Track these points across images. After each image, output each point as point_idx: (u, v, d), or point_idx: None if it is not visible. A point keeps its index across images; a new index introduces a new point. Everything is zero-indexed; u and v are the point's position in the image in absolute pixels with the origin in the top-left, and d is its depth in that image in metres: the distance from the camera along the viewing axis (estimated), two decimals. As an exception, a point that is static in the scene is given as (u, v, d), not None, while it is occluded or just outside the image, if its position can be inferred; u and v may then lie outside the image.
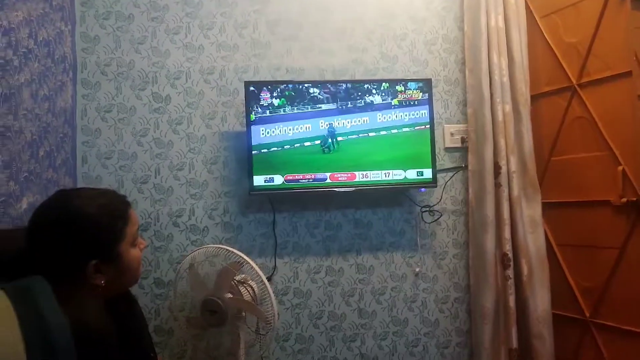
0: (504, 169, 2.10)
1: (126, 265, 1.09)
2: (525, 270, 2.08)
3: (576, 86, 2.06)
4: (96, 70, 2.01)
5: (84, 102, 2.00)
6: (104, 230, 1.04)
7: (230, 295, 1.76)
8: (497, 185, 2.11)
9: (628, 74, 1.86)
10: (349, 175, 2.06)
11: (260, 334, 1.87)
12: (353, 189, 2.06)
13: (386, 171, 2.08)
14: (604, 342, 1.98)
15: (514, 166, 2.11)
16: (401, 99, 2.09)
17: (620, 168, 1.88)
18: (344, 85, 2.07)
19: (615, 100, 1.92)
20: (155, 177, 2.04)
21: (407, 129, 2.09)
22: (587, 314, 2.04)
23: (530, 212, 2.13)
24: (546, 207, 2.18)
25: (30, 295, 0.34)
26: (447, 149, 2.26)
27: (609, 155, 1.94)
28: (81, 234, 1.01)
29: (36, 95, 1.60)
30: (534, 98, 2.23)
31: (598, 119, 1.98)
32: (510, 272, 2.07)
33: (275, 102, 2.00)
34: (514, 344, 2.05)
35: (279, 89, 2.01)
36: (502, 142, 2.11)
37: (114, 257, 1.06)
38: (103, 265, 1.04)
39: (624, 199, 1.86)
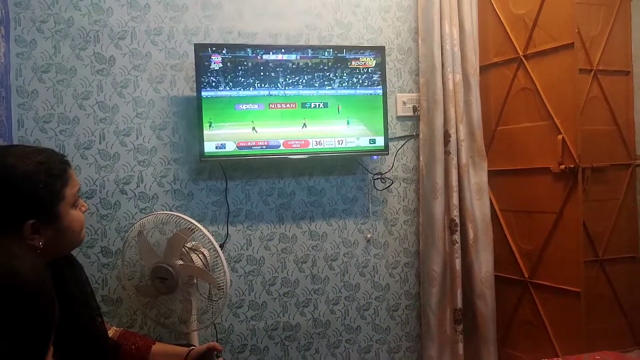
0: (453, 137, 2.16)
1: (67, 227, 1.04)
2: (471, 234, 2.18)
3: (522, 57, 2.13)
4: (31, 26, 1.87)
5: (18, 61, 1.86)
6: (42, 189, 0.99)
7: (181, 262, 1.74)
8: (447, 153, 2.17)
9: (570, 45, 1.94)
10: (303, 142, 2.05)
11: (212, 301, 1.86)
12: (306, 156, 2.06)
13: (339, 139, 2.08)
14: (540, 300, 2.12)
15: (462, 134, 2.17)
16: (355, 66, 2.08)
17: (560, 137, 1.98)
18: (298, 51, 2.03)
19: (557, 72, 2.00)
20: (100, 143, 1.95)
21: (360, 97, 2.10)
22: (526, 275, 2.17)
23: (477, 180, 2.22)
24: (491, 174, 2.27)
25: None
26: (399, 118, 2.29)
27: (550, 124, 2.03)
28: (16, 192, 0.95)
29: (-38, 49, 1.47)
30: (483, 68, 2.29)
31: (541, 90, 2.06)
32: (457, 236, 2.16)
33: (228, 66, 1.95)
34: (459, 304, 2.16)
35: (231, 53, 1.95)
36: (452, 111, 2.16)
37: (53, 218, 1.01)
38: (41, 225, 0.99)
39: (563, 166, 1.96)
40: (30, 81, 1.87)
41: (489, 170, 2.25)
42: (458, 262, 2.16)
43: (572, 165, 1.94)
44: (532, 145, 2.12)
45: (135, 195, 1.99)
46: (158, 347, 1.36)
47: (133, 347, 1.32)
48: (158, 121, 2.01)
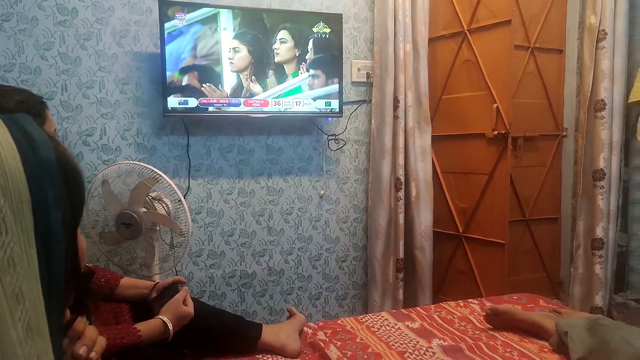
0: (402, 103, 2.34)
1: (45, 163, 1.14)
2: (414, 192, 2.40)
3: (467, 32, 2.32)
4: (-10, -27, 1.87)
5: (-23, 7, 1.86)
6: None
7: (145, 210, 1.85)
8: (395, 117, 2.36)
9: (508, 22, 2.14)
10: (262, 102, 2.17)
11: (174, 247, 1.99)
12: (265, 115, 2.18)
13: (297, 100, 2.22)
14: (471, 251, 2.39)
15: (410, 101, 2.36)
16: (315, 31, 2.20)
17: (495, 105, 2.20)
18: (260, 14, 2.13)
19: (496, 47, 2.21)
20: (62, 94, 2.00)
21: (318, 61, 2.23)
22: (461, 230, 2.43)
23: (422, 143, 2.42)
24: (435, 139, 2.48)
25: (21, 123, 0.43)
26: (354, 83, 2.44)
27: (487, 94, 2.25)
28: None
29: None
30: (432, 40, 2.46)
31: (482, 63, 2.27)
32: (401, 194, 2.37)
33: (191, 24, 2.02)
34: (401, 254, 2.39)
35: (194, 11, 2.02)
36: (401, 78, 2.33)
37: (33, 155, 1.11)
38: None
39: (495, 132, 2.20)
40: (-10, 29, 1.88)
41: (432, 135, 2.46)
42: (401, 217, 2.38)
43: (504, 132, 2.17)
44: (471, 113, 2.34)
45: (98, 147, 2.06)
46: (125, 280, 1.49)
47: (102, 280, 1.45)
48: (121, 75, 2.06)
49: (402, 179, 2.37)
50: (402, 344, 1.55)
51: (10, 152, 0.38)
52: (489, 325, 1.66)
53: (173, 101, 2.03)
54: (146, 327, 1.22)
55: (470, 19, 2.30)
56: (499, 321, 1.63)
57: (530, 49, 2.37)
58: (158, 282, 1.48)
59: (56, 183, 0.40)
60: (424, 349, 1.49)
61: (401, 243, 2.39)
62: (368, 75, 2.43)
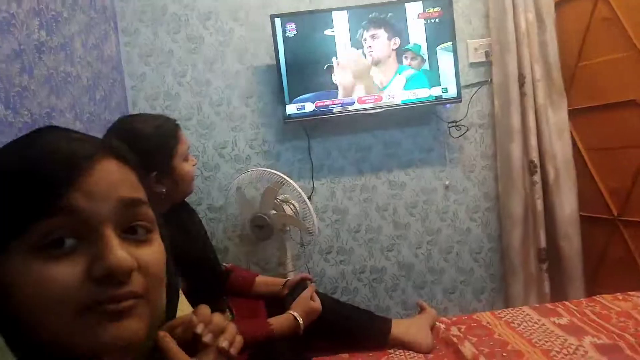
0: (528, 78, 2.14)
1: (180, 177, 1.30)
2: (552, 175, 2.17)
3: (602, -14, 2.03)
4: (133, 17, 2.17)
5: (127, 49, 2.18)
6: (160, 147, 1.24)
7: (274, 212, 1.98)
8: (522, 95, 2.16)
9: (654, -34, 1.82)
10: (376, 97, 2.16)
11: (304, 246, 2.09)
12: (380, 110, 2.17)
13: (411, 91, 2.16)
14: (631, 236, 2.07)
15: (538, 75, 2.14)
16: (424, 16, 2.13)
17: (645, 65, 1.88)
18: (369, 11, 2.12)
19: (641, -3, 1.89)
20: (198, 114, 2.23)
21: (430, 47, 2.15)
22: (615, 213, 2.13)
23: (556, 119, 2.18)
24: (573, 113, 2.22)
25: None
26: (472, 64, 2.30)
27: (633, 54, 1.93)
28: (141, 150, 1.21)
29: (86, 44, 1.79)
30: (558, 5, 2.20)
31: (623, 19, 1.96)
32: (537, 177, 2.17)
33: (301, 31, 2.10)
34: (542, 243, 2.18)
35: (303, 19, 2.10)
36: (525, 52, 2.13)
37: (170, 170, 1.27)
38: (161, 176, 1.25)
39: (649, 96, 1.88)
40: (138, 65, 2.19)
41: (569, 109, 2.20)
42: (539, 203, 2.17)
43: (660, 94, 1.85)
44: (615, 79, 2.03)
45: (232, 158, 2.26)
46: (260, 278, 1.61)
47: (240, 278, 1.59)
48: (245, 90, 2.24)
49: (537, 161, 2.16)
50: (547, 342, 1.41)
51: None
52: (655, 321, 1.43)
53: (291, 108, 2.14)
54: (278, 322, 1.31)
55: (604, -29, 2.01)
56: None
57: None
58: (288, 279, 1.58)
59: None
60: (574, 347, 1.35)
61: (542, 231, 2.18)
62: (487, 54, 2.27)
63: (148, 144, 1.22)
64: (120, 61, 2.14)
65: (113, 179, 0.49)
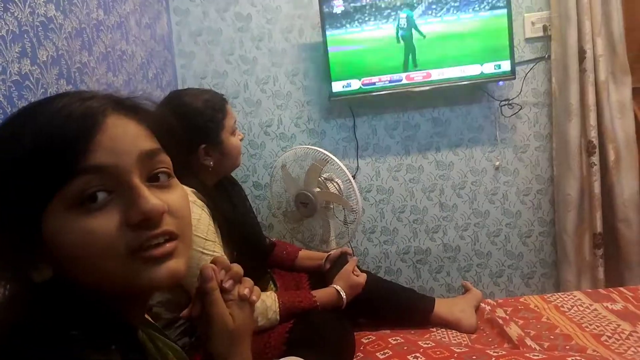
0: (589, 54, 2.01)
1: (228, 150, 1.32)
2: (612, 156, 2.05)
3: (677, -49, 1.86)
4: (184, -3, 2.22)
5: (177, 28, 2.23)
6: (208, 120, 1.27)
7: (318, 189, 1.98)
8: (582, 71, 2.04)
9: None
10: (425, 74, 2.10)
11: (347, 224, 2.09)
12: (429, 87, 2.11)
13: (462, 67, 2.09)
14: (698, 223, 1.93)
15: (600, 49, 2.01)
16: (475, -10, 2.04)
17: None
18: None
19: None
20: (245, 92, 2.26)
21: (483, 21, 2.06)
22: (681, 198, 1.99)
23: (619, 97, 2.05)
24: (638, 91, 2.07)
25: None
26: (528, 40, 2.19)
27: None
28: (191, 123, 1.25)
29: (140, 22, 1.84)
30: (627, -28, 2.05)
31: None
32: (595, 159, 2.05)
33: (349, 7, 2.07)
34: (599, 228, 2.08)
35: (350, -5, 2.07)
36: (587, 25, 2.00)
37: (218, 143, 1.30)
38: (210, 149, 1.28)
39: None
40: (187, 44, 2.23)
41: (633, 87, 2.05)
42: (597, 186, 2.06)
43: None
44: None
45: (277, 136, 2.28)
46: (303, 252, 1.64)
47: (284, 252, 1.62)
48: (290, 68, 2.24)
49: (596, 141, 2.04)
50: (598, 326, 1.36)
51: None
52: None
53: (337, 85, 2.12)
54: (321, 294, 1.32)
55: None
56: None
57: None
58: (330, 253, 1.59)
59: None
60: (627, 333, 1.28)
61: (598, 215, 2.07)
62: (545, 29, 2.15)
63: (197, 117, 1.25)
64: (171, 40, 2.20)
65: (129, 133, 0.51)
